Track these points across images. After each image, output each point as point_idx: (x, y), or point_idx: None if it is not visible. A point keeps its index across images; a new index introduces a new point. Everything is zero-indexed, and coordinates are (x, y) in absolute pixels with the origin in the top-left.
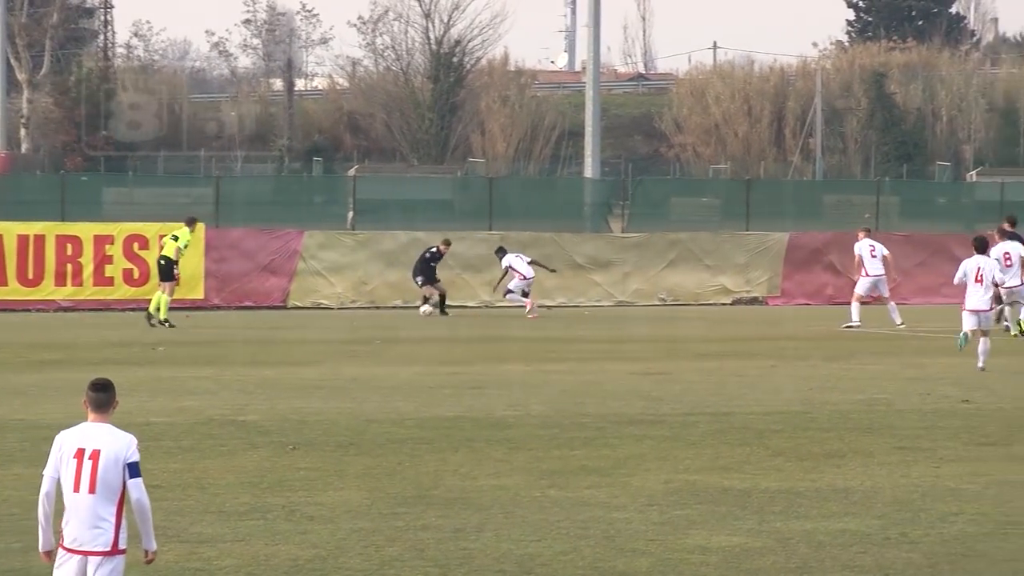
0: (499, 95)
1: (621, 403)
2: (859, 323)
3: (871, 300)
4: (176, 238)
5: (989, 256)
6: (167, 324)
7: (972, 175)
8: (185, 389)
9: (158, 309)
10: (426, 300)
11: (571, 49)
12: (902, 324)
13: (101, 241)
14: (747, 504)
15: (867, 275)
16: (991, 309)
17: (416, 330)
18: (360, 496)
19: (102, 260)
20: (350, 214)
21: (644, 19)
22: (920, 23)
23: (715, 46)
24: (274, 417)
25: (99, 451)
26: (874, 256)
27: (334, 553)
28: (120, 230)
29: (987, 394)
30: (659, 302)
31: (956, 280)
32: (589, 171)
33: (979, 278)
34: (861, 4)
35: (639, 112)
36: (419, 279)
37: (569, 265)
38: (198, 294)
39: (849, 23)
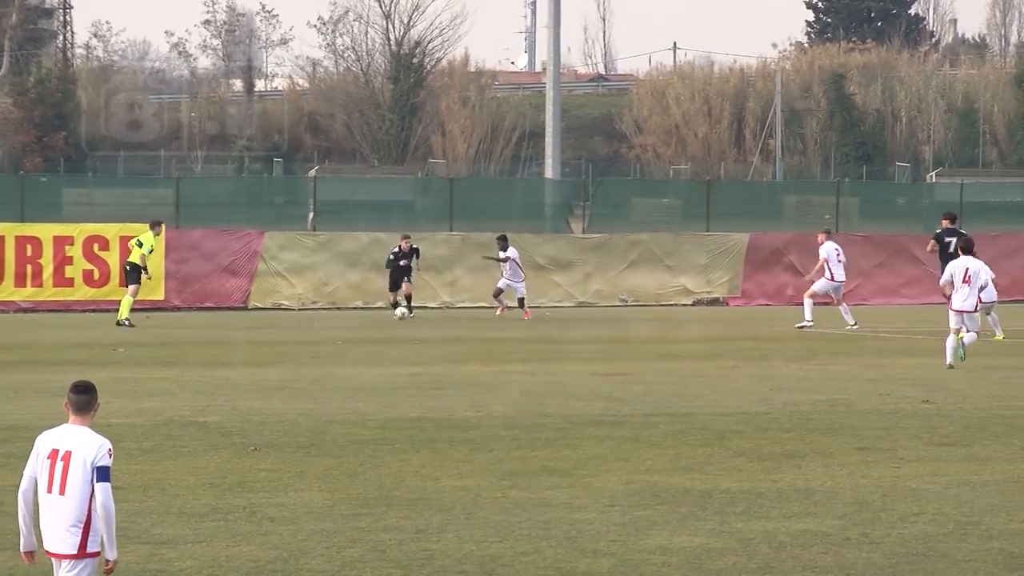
0: (459, 96)
1: (582, 404)
2: (812, 322)
3: (825, 302)
4: (141, 244)
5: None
6: (127, 324)
7: (931, 176)
8: (145, 390)
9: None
10: (395, 305)
11: (531, 50)
12: (855, 325)
13: (61, 242)
14: (708, 505)
15: (832, 279)
16: (975, 310)
17: (377, 331)
18: (321, 497)
19: (62, 261)
20: (311, 215)
21: (604, 20)
22: (879, 24)
23: (675, 47)
24: (235, 418)
25: (71, 453)
26: (840, 260)
27: (295, 554)
28: (80, 231)
29: (947, 395)
30: (620, 303)
31: (942, 281)
32: (550, 172)
33: (967, 279)
34: (820, 5)
35: (599, 113)
36: (391, 284)
37: (530, 266)
38: (159, 295)
39: (808, 24)
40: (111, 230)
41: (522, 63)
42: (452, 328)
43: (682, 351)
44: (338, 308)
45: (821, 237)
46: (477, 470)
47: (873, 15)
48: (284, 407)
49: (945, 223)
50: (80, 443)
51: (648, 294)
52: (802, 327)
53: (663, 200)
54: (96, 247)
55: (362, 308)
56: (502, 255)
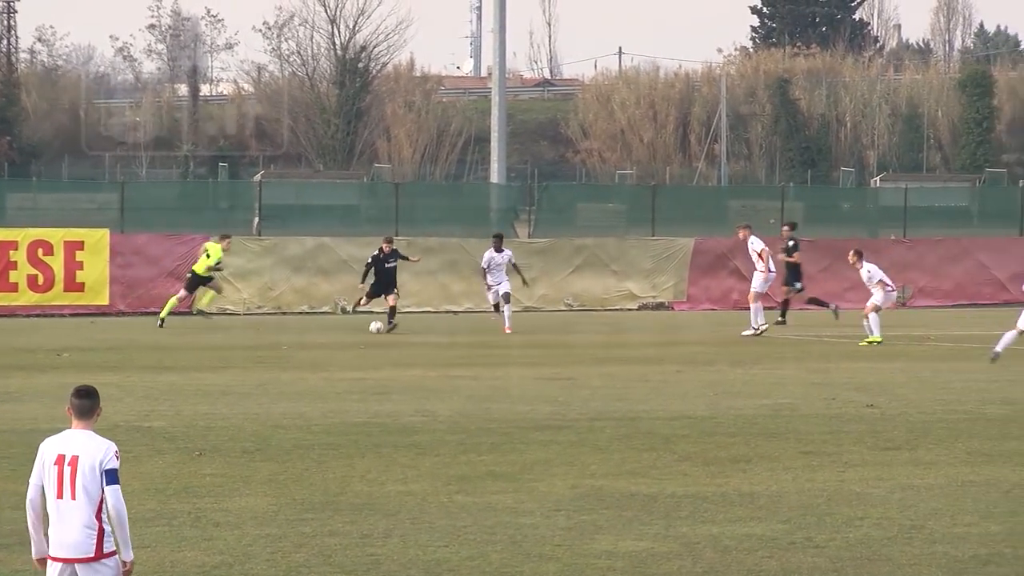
0: (405, 100)
1: (528, 408)
2: (765, 325)
3: (769, 306)
4: (210, 256)
5: None
6: (161, 324)
7: (876, 180)
8: None
9: (165, 304)
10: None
11: (477, 55)
12: (765, 327)
13: (5, 247)
14: (653, 509)
15: (770, 271)
16: None
17: (323, 336)
18: (267, 502)
19: (6, 266)
20: (256, 220)
21: (550, 25)
22: (824, 29)
23: (620, 52)
24: (180, 423)
25: (77, 457)
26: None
27: (240, 559)
28: (24, 236)
29: (891, 399)
30: (565, 307)
31: None
32: (495, 176)
33: None
34: (765, 10)
35: (545, 118)
36: (372, 288)
37: (476, 271)
38: (103, 300)
39: (753, 29)
40: (55, 235)
41: (468, 68)
42: (397, 333)
43: (627, 355)
44: (283, 313)
45: (744, 232)
46: (423, 475)
47: (818, 20)
48: (229, 412)
49: (786, 230)
50: (86, 447)
51: (594, 299)
52: (755, 332)
53: (608, 205)
54: (40, 252)
55: (308, 313)
56: (498, 256)
